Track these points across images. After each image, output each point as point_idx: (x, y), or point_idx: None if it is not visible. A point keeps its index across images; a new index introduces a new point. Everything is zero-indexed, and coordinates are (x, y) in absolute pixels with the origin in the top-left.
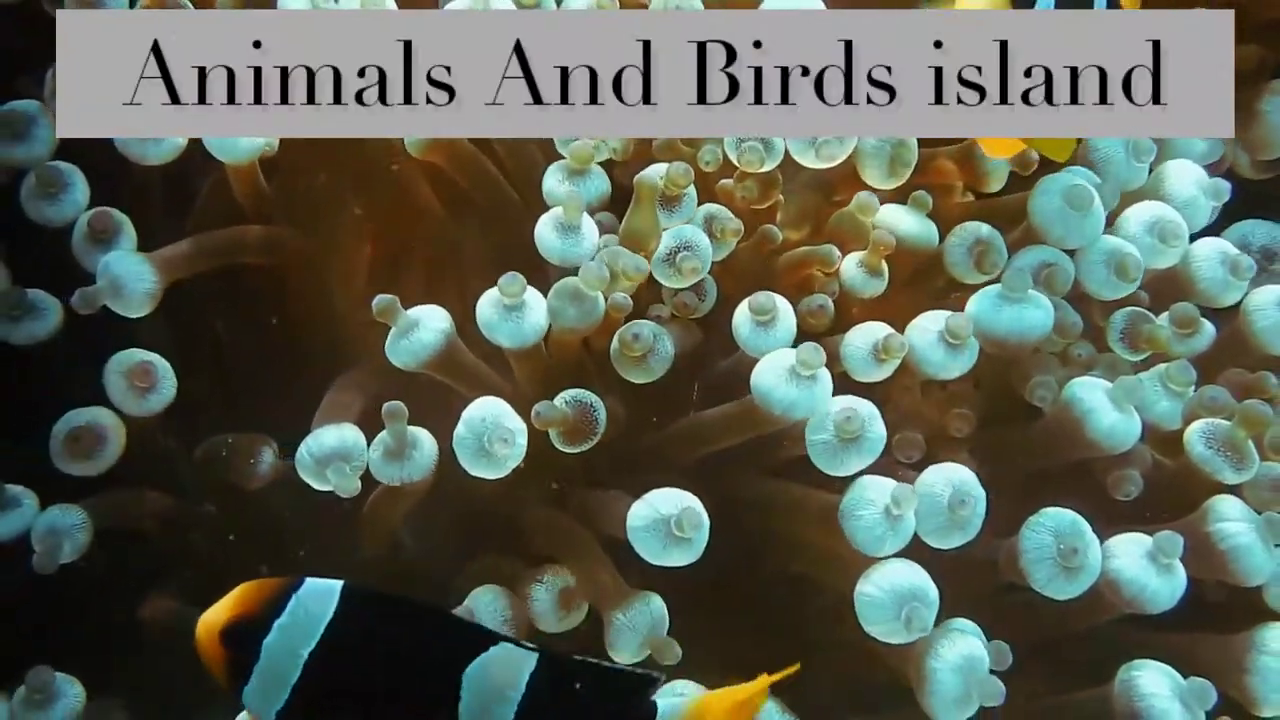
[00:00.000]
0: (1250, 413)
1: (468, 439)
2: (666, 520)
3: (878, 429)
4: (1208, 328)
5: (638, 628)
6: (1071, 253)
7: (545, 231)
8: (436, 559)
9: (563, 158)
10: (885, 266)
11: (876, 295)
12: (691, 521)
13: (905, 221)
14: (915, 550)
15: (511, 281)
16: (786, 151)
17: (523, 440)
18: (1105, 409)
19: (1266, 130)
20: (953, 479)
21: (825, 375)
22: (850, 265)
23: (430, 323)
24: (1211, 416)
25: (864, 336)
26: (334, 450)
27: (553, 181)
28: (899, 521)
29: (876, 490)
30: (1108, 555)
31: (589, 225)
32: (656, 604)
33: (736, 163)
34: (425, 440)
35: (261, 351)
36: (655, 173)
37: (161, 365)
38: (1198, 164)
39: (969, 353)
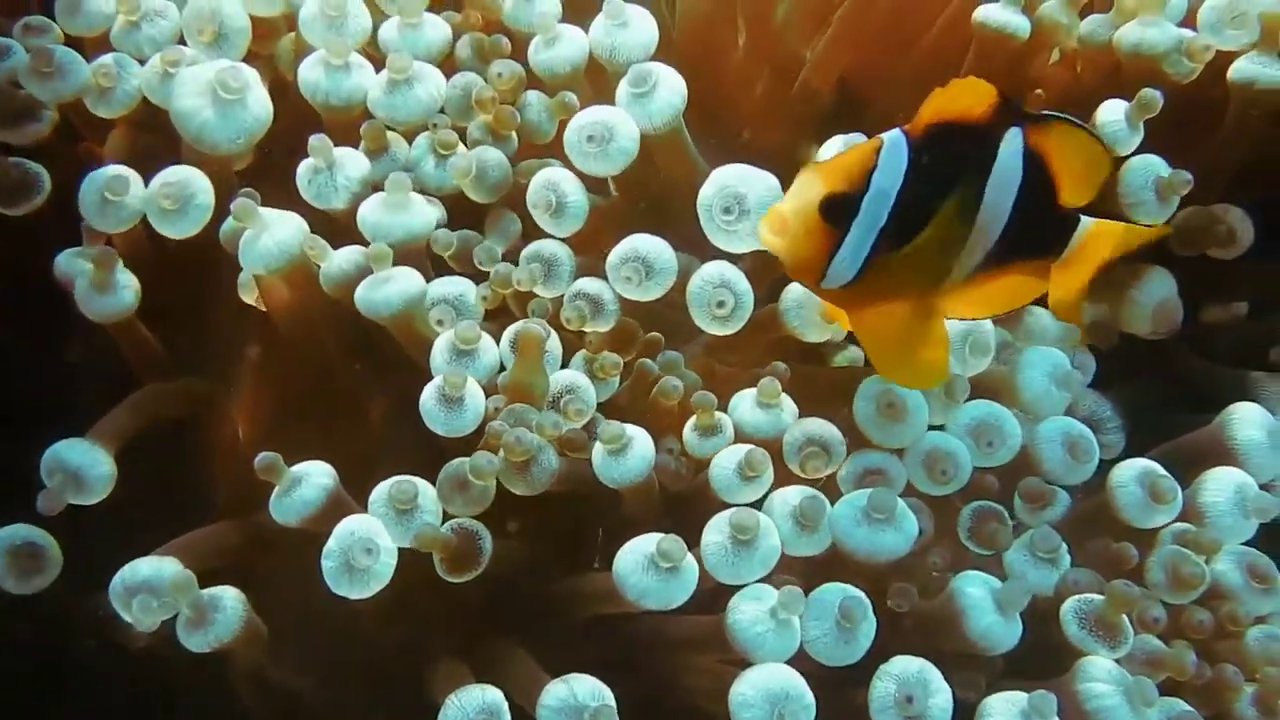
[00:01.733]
0: (1118, 594)
1: (335, 552)
2: (580, 710)
3: (773, 540)
4: (1062, 496)
5: (466, 710)
6: None
7: (430, 404)
8: (338, 711)
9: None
10: (722, 422)
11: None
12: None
13: (750, 415)
14: None
15: (402, 490)
16: None
17: (390, 560)
18: (984, 608)
19: (1134, 312)
20: (846, 590)
21: (689, 565)
22: (688, 430)
23: (313, 479)
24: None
25: (730, 456)
26: (144, 582)
27: (440, 360)
28: (785, 626)
29: (764, 592)
30: (984, 714)
31: (474, 394)
32: (491, 694)
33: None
34: (228, 599)
35: (158, 496)
36: (537, 324)
37: (50, 547)
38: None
39: (820, 538)
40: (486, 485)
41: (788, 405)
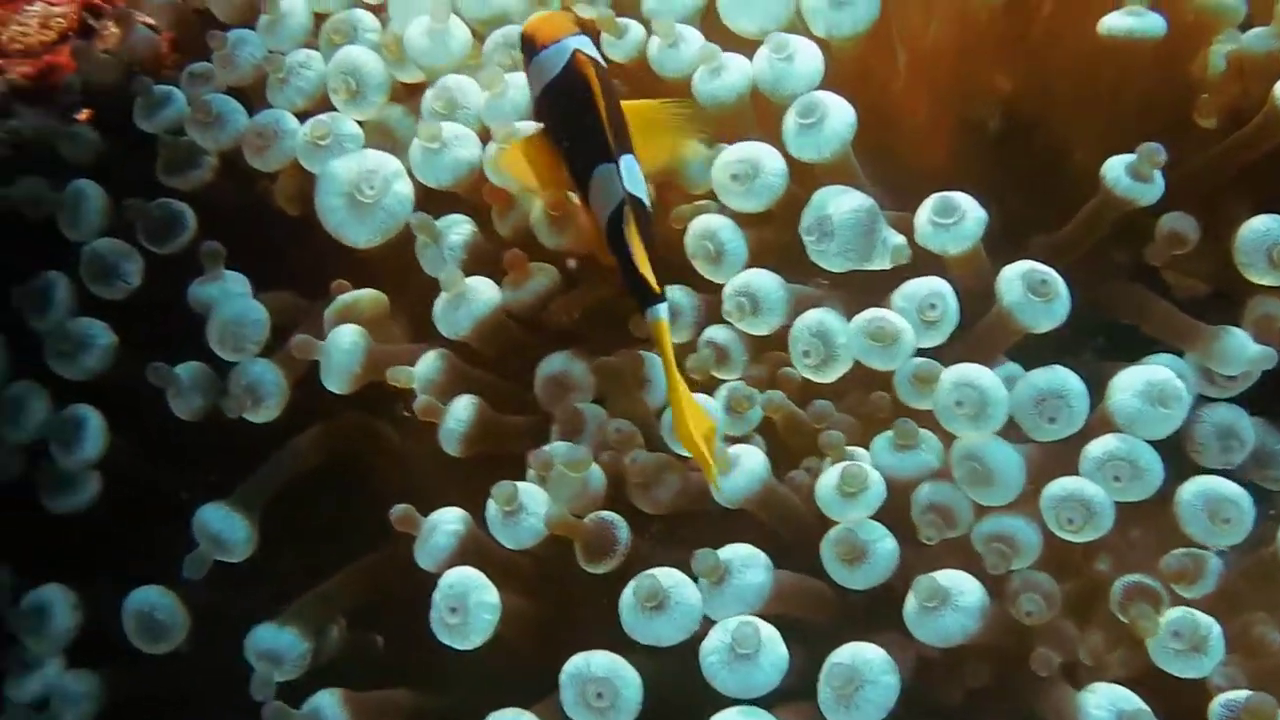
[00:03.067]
0: (1258, 708)
1: (435, 604)
2: (588, 680)
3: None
4: (1212, 566)
5: None
6: None
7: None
8: None
9: None
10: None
11: None
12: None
13: (888, 459)
14: None
15: (502, 491)
16: None
17: (486, 614)
18: None
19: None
20: (857, 654)
21: (680, 604)
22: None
23: (444, 526)
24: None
25: (832, 473)
26: (266, 651)
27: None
28: (743, 661)
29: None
30: None
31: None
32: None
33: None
34: (325, 706)
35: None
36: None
37: (173, 618)
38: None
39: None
40: (579, 477)
41: (931, 444)
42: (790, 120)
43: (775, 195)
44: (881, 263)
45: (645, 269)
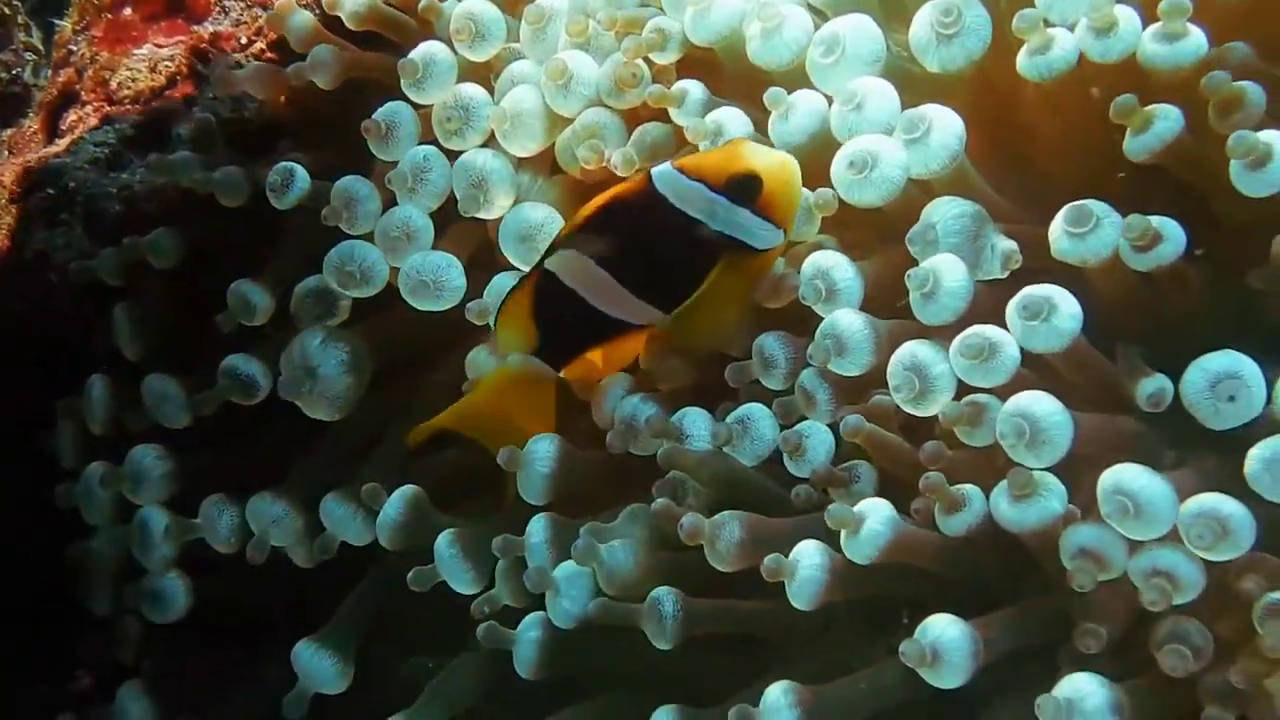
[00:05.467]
0: None
1: None
2: None
3: None
4: None
5: None
6: None
7: None
8: None
9: None
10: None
11: None
12: None
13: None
14: None
15: None
16: None
17: None
18: None
19: None
20: None
21: None
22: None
23: None
24: None
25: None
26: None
27: None
28: None
29: None
30: None
31: None
32: None
33: None
34: None
35: None
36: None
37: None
38: None
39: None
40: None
41: (1052, 487)
42: (897, 136)
43: (895, 189)
44: (991, 270)
45: None
